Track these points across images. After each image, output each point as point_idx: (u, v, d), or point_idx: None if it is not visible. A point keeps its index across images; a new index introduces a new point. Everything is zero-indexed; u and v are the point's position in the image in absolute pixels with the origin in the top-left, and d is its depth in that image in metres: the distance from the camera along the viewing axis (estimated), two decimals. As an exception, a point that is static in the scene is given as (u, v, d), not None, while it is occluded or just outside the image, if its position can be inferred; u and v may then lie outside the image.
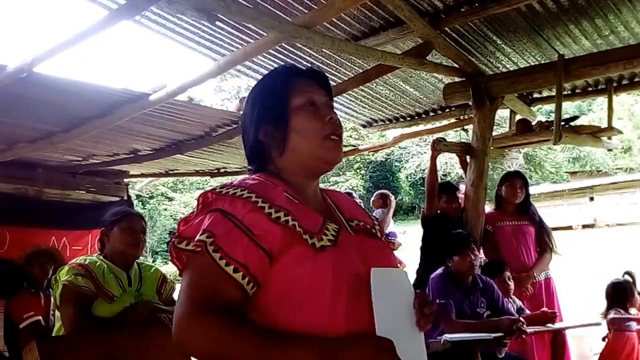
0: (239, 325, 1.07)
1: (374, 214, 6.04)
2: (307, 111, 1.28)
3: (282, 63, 4.59)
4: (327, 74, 4.61)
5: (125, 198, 7.19)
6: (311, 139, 1.27)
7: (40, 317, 4.01)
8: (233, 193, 1.18)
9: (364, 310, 1.12)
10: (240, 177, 1.28)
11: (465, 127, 5.52)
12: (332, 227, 1.22)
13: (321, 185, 1.42)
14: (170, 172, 7.10)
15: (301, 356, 1.04)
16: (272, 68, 4.62)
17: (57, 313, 2.84)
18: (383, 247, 1.35)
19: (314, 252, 1.14)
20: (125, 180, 7.31)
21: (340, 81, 4.81)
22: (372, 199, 6.39)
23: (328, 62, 4.66)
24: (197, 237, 1.13)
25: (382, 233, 1.48)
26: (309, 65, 1.33)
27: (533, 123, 4.99)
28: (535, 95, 5.48)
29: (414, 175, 31.14)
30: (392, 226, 6.47)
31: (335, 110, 1.35)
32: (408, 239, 6.32)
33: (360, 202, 5.60)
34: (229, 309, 1.08)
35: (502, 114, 5.86)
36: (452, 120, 5.85)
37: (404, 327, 1.16)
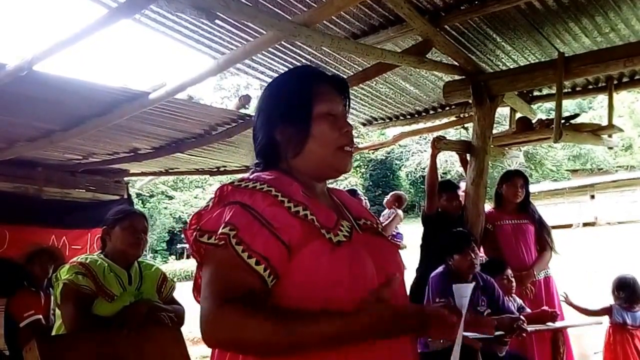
0: (262, 308, 1.08)
1: (383, 213, 6.03)
2: (328, 120, 1.31)
3: (282, 61, 4.59)
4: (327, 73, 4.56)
5: (126, 197, 7.18)
6: (327, 148, 1.31)
7: (40, 316, 4.02)
8: (253, 186, 1.20)
9: None
10: (253, 173, 1.29)
11: (466, 125, 5.53)
12: (346, 223, 1.25)
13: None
14: (170, 170, 7.09)
15: (333, 325, 1.06)
16: (271, 66, 4.66)
17: (58, 312, 2.84)
18: (389, 246, 1.39)
19: (331, 246, 1.17)
20: (125, 178, 7.29)
21: (340, 79, 4.78)
22: (387, 198, 6.39)
23: (327, 60, 4.66)
24: (221, 230, 1.14)
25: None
26: (329, 70, 1.34)
27: (533, 121, 4.99)
28: (536, 93, 5.48)
29: (414, 173, 31.13)
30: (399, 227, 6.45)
31: (350, 124, 1.38)
32: (408, 238, 6.31)
33: (365, 200, 5.61)
34: (253, 296, 1.09)
35: (502, 112, 5.86)
36: (452, 118, 5.85)
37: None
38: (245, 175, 1.28)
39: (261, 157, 1.37)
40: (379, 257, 1.26)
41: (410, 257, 5.73)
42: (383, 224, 5.36)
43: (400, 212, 6.19)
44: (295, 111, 1.31)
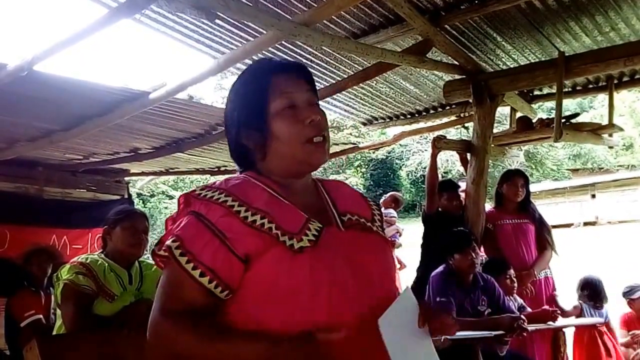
0: (195, 325, 1.10)
1: (384, 211, 6.02)
2: (286, 116, 1.22)
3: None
4: (327, 72, 4.58)
5: (126, 196, 7.20)
6: (292, 145, 1.22)
7: (41, 316, 4.02)
8: (210, 197, 1.18)
9: (347, 311, 1.13)
10: (225, 177, 1.28)
11: (466, 125, 5.50)
12: (315, 226, 1.19)
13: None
14: (171, 170, 7.11)
15: (249, 350, 1.07)
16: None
17: (58, 312, 2.84)
18: (378, 243, 1.30)
19: (291, 254, 1.12)
20: (126, 178, 7.32)
21: (340, 79, 4.80)
22: (384, 198, 6.37)
23: (328, 59, 4.64)
24: (166, 243, 1.14)
25: (383, 223, 1.43)
26: (290, 59, 1.28)
27: (534, 120, 4.97)
28: (536, 92, 5.46)
29: (414, 172, 31.06)
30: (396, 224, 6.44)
31: (319, 106, 1.30)
32: (408, 237, 6.29)
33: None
34: (193, 313, 1.11)
35: (503, 111, 5.86)
36: (453, 117, 5.83)
37: (414, 343, 1.17)
38: (212, 181, 1.26)
39: (236, 161, 1.34)
40: (360, 256, 1.21)
41: (410, 256, 5.74)
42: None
43: (394, 212, 6.12)
44: (251, 114, 1.25)
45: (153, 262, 1.25)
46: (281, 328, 1.09)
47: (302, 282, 1.10)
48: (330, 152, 5.48)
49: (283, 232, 1.14)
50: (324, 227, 1.20)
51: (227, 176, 1.30)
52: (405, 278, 6.07)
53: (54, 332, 2.96)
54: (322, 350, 1.05)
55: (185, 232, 1.14)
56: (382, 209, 5.91)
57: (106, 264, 2.81)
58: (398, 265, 5.84)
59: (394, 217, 5.81)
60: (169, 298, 1.13)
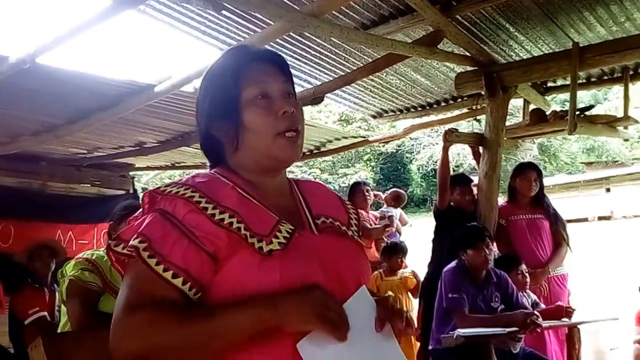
0: (168, 310, 1.00)
1: (381, 210, 5.92)
2: (258, 105, 1.17)
3: (290, 53, 4.55)
4: (336, 64, 4.53)
5: (131, 191, 7.19)
6: (263, 137, 1.17)
7: (45, 313, 4.00)
8: (176, 192, 1.10)
9: None
10: (193, 173, 1.21)
11: (478, 118, 5.49)
12: (286, 228, 1.13)
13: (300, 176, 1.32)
14: (177, 164, 7.11)
15: (245, 316, 1.00)
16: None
17: (63, 308, 2.86)
18: (352, 248, 1.25)
19: (260, 257, 1.06)
20: (131, 173, 7.32)
21: (349, 71, 4.78)
22: (386, 194, 6.26)
23: (337, 51, 4.61)
24: (131, 242, 1.06)
25: (359, 228, 1.37)
26: (266, 50, 1.22)
27: (547, 113, 4.91)
28: (550, 84, 5.40)
29: (425, 166, 30.96)
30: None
31: (295, 97, 1.24)
32: (418, 232, 6.21)
33: (370, 195, 5.52)
34: (162, 302, 1.02)
35: (516, 103, 5.79)
36: (464, 110, 5.79)
37: (370, 349, 1.09)
38: (179, 178, 1.20)
39: (205, 155, 1.28)
40: (333, 260, 1.15)
41: (420, 251, 5.66)
42: (371, 227, 5.26)
43: (396, 212, 6.00)
44: (222, 102, 1.19)
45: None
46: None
47: (271, 286, 1.04)
48: (340, 145, 5.49)
49: (252, 234, 1.08)
50: (296, 230, 1.14)
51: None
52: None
53: (59, 330, 2.96)
54: (327, 295, 1.04)
55: (151, 231, 1.06)
56: (384, 207, 5.84)
57: None
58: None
59: (392, 215, 5.72)
60: (136, 295, 1.02)
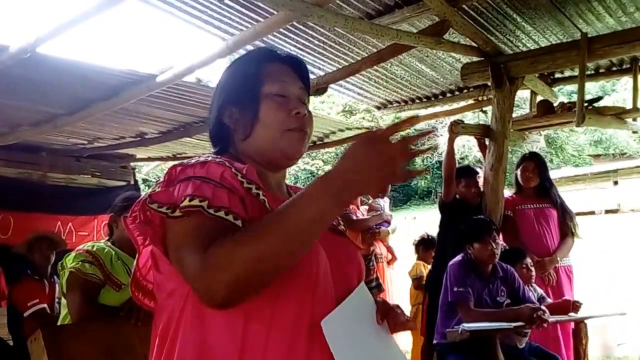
0: (248, 228, 0.99)
1: (370, 201, 5.86)
2: (275, 101, 1.23)
3: (294, 43, 4.52)
4: (340, 54, 4.49)
5: (132, 182, 7.19)
6: (274, 130, 1.22)
7: (45, 305, 4.00)
8: (204, 160, 1.11)
9: (326, 309, 1.08)
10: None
11: (484, 109, 5.48)
12: None
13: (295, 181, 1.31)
14: (178, 155, 7.10)
15: (313, 201, 0.97)
16: (282, 48, 4.57)
17: (63, 301, 2.88)
18: (349, 245, 1.32)
19: None
20: (132, 164, 7.34)
21: (353, 61, 4.75)
22: None
23: (341, 41, 4.58)
24: (187, 203, 1.01)
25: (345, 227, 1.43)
26: (291, 50, 1.28)
27: (554, 104, 4.90)
28: (557, 75, 5.37)
29: (430, 158, 30.98)
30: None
31: (307, 106, 1.29)
32: (421, 225, 6.17)
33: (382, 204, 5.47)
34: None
35: (522, 94, 5.78)
36: (470, 101, 5.76)
37: (371, 342, 1.14)
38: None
39: (212, 142, 1.32)
40: (336, 255, 1.19)
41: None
42: (363, 217, 5.24)
43: (381, 202, 5.95)
44: (242, 92, 1.25)
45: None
46: (271, 309, 1.05)
47: (293, 265, 1.03)
48: (343, 136, 5.43)
49: (270, 209, 1.09)
50: None
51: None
52: (398, 271, 5.99)
53: (59, 322, 2.96)
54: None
55: (200, 192, 1.03)
56: (371, 200, 5.78)
57: (113, 252, 2.81)
58: (389, 257, 5.70)
59: (379, 205, 5.69)
60: (206, 239, 0.97)
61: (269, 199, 1.12)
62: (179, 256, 0.99)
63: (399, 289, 5.78)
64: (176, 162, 1.14)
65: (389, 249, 5.73)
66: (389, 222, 5.59)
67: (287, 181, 1.36)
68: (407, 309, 4.65)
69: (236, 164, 1.13)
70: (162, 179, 1.12)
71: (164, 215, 1.03)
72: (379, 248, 5.43)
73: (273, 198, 1.14)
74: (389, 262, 5.64)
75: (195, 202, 1.01)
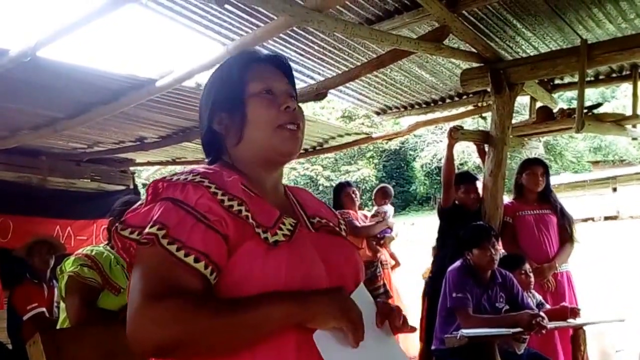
0: (197, 301, 0.98)
1: (375, 209, 5.85)
2: (262, 99, 1.22)
3: (294, 48, 4.52)
4: (339, 60, 4.50)
5: (131, 187, 7.18)
6: (265, 129, 1.21)
7: (44, 309, 4.00)
8: (184, 179, 1.10)
9: None
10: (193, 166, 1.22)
11: (484, 115, 5.47)
12: (289, 221, 1.16)
13: (293, 182, 1.32)
14: (178, 160, 7.12)
15: (275, 311, 1.00)
16: (282, 53, 4.56)
17: (62, 305, 2.88)
18: (346, 245, 1.30)
19: (266, 247, 1.08)
20: (131, 168, 7.33)
21: (353, 67, 4.74)
22: (374, 193, 6.13)
23: (341, 46, 4.57)
24: (147, 230, 1.03)
25: (348, 232, 1.42)
26: (271, 52, 1.27)
27: (554, 110, 4.88)
28: (557, 81, 5.38)
29: (429, 164, 31.01)
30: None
31: (296, 99, 1.29)
32: (420, 231, 6.16)
33: (357, 195, 5.44)
34: (188, 292, 0.99)
35: (522, 101, 5.78)
36: (470, 107, 5.76)
37: (372, 345, 1.12)
38: (182, 169, 1.20)
39: (205, 150, 1.32)
40: (332, 256, 1.19)
41: (423, 250, 5.63)
42: (366, 224, 5.21)
43: (387, 209, 5.92)
44: (228, 96, 1.24)
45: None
46: None
47: (278, 277, 1.06)
48: (343, 142, 5.45)
49: (257, 224, 1.10)
50: (298, 223, 1.18)
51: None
52: (402, 276, 5.97)
53: (58, 326, 2.96)
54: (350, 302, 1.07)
55: (166, 217, 1.04)
56: (377, 207, 5.77)
57: (112, 256, 2.81)
58: (392, 262, 5.69)
59: (386, 212, 5.67)
60: (156, 282, 0.99)
61: (257, 208, 1.12)
62: (131, 297, 0.99)
63: (404, 294, 5.77)
64: (164, 175, 1.15)
65: (392, 255, 5.72)
66: (391, 228, 5.59)
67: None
68: (417, 314, 4.61)
69: (222, 179, 1.12)
70: (147, 194, 1.13)
71: (135, 242, 1.05)
72: (384, 254, 5.42)
73: (261, 206, 1.14)
74: (392, 268, 5.64)
75: (154, 229, 1.02)
